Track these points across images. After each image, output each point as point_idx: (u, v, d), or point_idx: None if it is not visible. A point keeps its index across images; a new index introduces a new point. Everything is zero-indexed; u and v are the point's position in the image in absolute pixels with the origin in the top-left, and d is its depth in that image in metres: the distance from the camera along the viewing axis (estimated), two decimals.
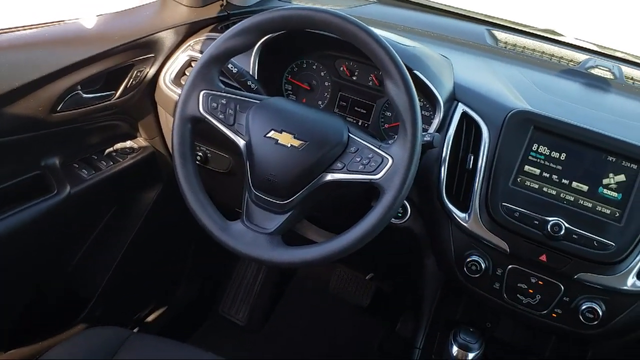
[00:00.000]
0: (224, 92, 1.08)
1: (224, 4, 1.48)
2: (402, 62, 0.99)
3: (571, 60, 1.52)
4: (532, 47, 1.56)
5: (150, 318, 1.86)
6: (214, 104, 1.07)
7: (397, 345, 1.82)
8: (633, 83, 1.47)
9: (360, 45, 1.00)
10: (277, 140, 1.03)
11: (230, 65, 1.17)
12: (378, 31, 1.05)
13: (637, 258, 1.04)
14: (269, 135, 1.04)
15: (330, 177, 1.02)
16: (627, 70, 1.49)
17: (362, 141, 1.03)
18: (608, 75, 1.46)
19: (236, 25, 1.07)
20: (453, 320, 1.31)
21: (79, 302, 1.53)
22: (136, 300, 1.78)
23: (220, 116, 1.07)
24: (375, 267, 1.79)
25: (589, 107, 1.27)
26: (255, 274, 2.05)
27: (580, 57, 1.52)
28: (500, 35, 1.61)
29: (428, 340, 1.31)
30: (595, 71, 1.47)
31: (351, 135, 1.04)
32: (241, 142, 1.06)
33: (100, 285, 1.53)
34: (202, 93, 1.08)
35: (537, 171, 1.11)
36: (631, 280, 1.04)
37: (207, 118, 1.07)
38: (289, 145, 1.02)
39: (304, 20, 1.02)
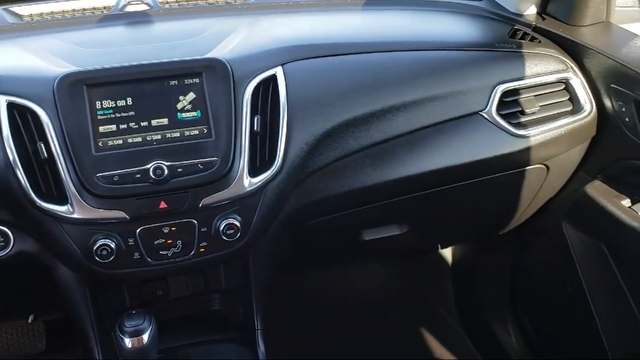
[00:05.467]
0: None
1: None
2: None
3: (105, 7, 1.45)
4: (60, 10, 1.44)
5: None
6: None
7: None
8: (170, 6, 1.48)
9: None
10: None
11: None
12: None
13: (242, 159, 1.07)
14: None
15: None
16: None
17: None
18: (144, 7, 1.44)
19: None
20: (124, 311, 1.21)
21: None
22: None
23: None
24: (26, 307, 1.55)
25: (136, 44, 1.23)
26: None
27: (112, 1, 1.47)
28: (22, 10, 1.45)
29: (105, 345, 1.19)
30: (131, 8, 1.43)
31: None
32: None
33: None
34: None
35: (114, 127, 1.03)
36: (247, 181, 1.07)
37: None
38: None
39: None
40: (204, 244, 1.09)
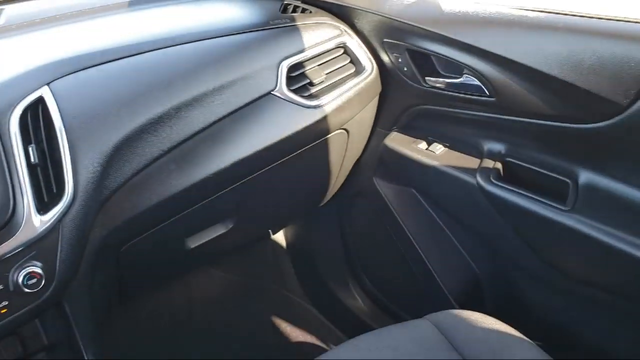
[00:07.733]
0: None
1: None
2: None
3: None
4: None
5: None
6: None
7: None
8: None
9: None
10: None
11: None
12: None
13: (25, 197, 0.93)
14: None
15: None
16: None
17: None
18: None
19: None
20: None
21: None
22: None
23: None
24: None
25: None
26: None
27: None
28: None
29: None
30: None
31: None
32: None
33: None
34: None
35: None
36: (37, 220, 0.93)
37: None
38: None
39: None
40: (5, 303, 0.94)
